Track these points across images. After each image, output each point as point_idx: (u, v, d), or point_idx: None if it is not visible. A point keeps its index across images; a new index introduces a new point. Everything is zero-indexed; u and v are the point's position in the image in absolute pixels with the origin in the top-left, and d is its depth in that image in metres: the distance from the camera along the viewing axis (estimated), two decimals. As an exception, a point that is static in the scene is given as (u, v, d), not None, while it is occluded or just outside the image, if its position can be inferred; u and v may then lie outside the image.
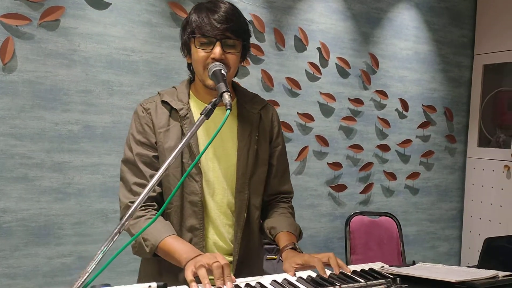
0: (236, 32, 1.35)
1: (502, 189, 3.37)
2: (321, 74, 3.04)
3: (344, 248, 2.95)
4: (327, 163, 3.11)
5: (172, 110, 1.39)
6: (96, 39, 2.40)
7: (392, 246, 3.01)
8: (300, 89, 2.97)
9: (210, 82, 1.33)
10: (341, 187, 3.18)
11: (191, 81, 1.47)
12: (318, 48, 3.03)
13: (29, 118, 2.28)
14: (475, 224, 3.59)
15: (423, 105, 3.47)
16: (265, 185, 1.48)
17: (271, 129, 1.49)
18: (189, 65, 1.45)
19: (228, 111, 1.13)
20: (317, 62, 3.03)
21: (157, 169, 1.36)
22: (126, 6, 2.46)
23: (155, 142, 1.37)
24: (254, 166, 1.43)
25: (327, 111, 3.09)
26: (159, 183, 1.36)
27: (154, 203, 1.35)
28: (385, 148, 3.31)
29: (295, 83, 2.95)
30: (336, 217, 3.20)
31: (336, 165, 3.14)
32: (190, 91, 1.45)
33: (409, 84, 3.41)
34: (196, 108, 1.42)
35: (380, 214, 3.08)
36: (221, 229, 1.39)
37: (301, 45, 2.97)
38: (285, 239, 1.36)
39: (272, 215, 1.47)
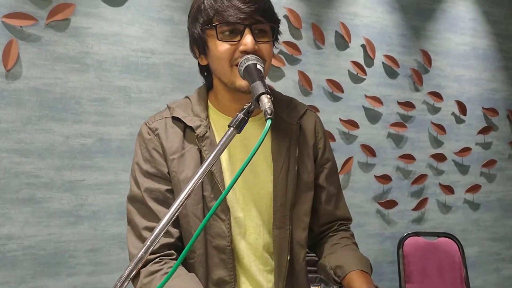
0: (268, 14, 1.01)
1: None
2: (366, 74, 2.67)
3: (398, 274, 2.55)
4: (375, 176, 2.72)
5: (186, 129, 1.06)
6: (111, 40, 2.11)
7: (454, 273, 2.58)
8: (343, 92, 2.60)
9: (242, 83, 0.99)
10: (391, 203, 2.77)
11: (208, 88, 1.14)
12: (363, 45, 2.66)
13: (36, 131, 2.00)
14: (546, 243, 3.11)
15: (483, 108, 3.04)
16: (315, 214, 1.14)
17: (315, 142, 1.14)
18: (202, 69, 1.13)
19: (269, 121, 0.79)
20: (361, 61, 2.66)
21: None
22: (144, 2, 2.16)
23: (168, 172, 1.04)
24: (296, 193, 1.08)
25: (373, 116, 2.71)
26: (178, 225, 1.04)
27: (173, 251, 1.02)
28: (440, 157, 2.89)
29: (336, 85, 2.59)
30: (386, 238, 2.80)
31: (384, 178, 2.75)
32: (209, 102, 1.12)
33: (466, 84, 2.98)
34: (218, 124, 1.08)
35: (438, 234, 2.66)
36: (258, 278, 1.05)
37: (343, 42, 2.61)
38: (360, 281, 1.00)
39: (333, 249, 1.11)
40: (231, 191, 1.05)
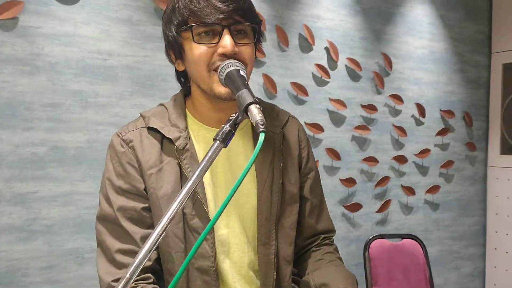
0: (248, 13, 0.95)
1: (532, 201, 3.01)
2: (329, 77, 2.65)
3: (365, 277, 2.55)
4: (340, 180, 2.71)
5: (163, 140, 0.97)
6: (64, 40, 1.96)
7: (418, 274, 2.61)
8: (307, 95, 2.57)
9: (222, 90, 0.92)
10: (356, 206, 2.77)
11: (185, 95, 1.06)
12: (326, 48, 2.64)
13: (-19, 140, 1.83)
14: (501, 240, 3.22)
15: (441, 110, 3.11)
16: (298, 228, 1.07)
17: (299, 151, 1.08)
18: (179, 75, 1.05)
19: (262, 135, 0.72)
20: (325, 64, 2.64)
21: (149, 226, 0.94)
22: (100, 0, 2.03)
23: (144, 189, 0.95)
24: (282, 206, 1.02)
25: (338, 119, 2.69)
26: (156, 246, 0.95)
27: (150, 274, 0.93)
28: (402, 159, 2.93)
29: (301, 88, 2.55)
30: (352, 241, 2.79)
31: (349, 181, 2.74)
32: (187, 110, 1.03)
33: (425, 87, 3.04)
34: (198, 135, 1.00)
35: (402, 236, 2.68)
36: None
37: (307, 44, 2.58)
38: None
39: (317, 265, 1.05)
40: (213, 206, 0.97)
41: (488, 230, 3.32)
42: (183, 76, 1.05)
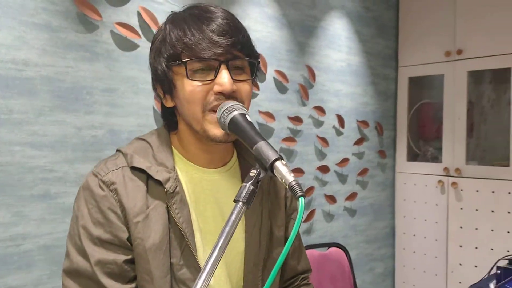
0: (246, 47, 0.88)
1: (436, 204, 3.30)
2: (259, 90, 2.63)
3: (295, 289, 2.57)
4: (269, 192, 2.70)
5: (149, 181, 0.86)
6: (-30, 47, 1.67)
7: (344, 281, 2.71)
8: (238, 108, 2.51)
9: (218, 132, 0.83)
10: (284, 218, 2.79)
11: (169, 129, 0.95)
12: (255, 60, 2.60)
13: None
14: (409, 241, 3.49)
15: (357, 120, 3.26)
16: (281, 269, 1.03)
17: (285, 191, 1.03)
18: (166, 111, 0.93)
19: (302, 199, 0.65)
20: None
21: (130, 281, 0.82)
22: (14, 3, 1.76)
23: (128, 238, 0.83)
24: (268, 250, 0.96)
25: (267, 132, 2.68)
26: None
27: None
28: (324, 169, 3.02)
29: (232, 101, 2.48)
30: (280, 252, 2.80)
31: (278, 193, 2.74)
32: (173, 147, 0.92)
33: (344, 98, 3.17)
34: (186, 175, 0.90)
35: (329, 245, 2.76)
36: None
37: (237, 56, 2.52)
38: None
39: None
40: (202, 253, 0.88)
41: (397, 232, 3.57)
42: (170, 113, 0.93)
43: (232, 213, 0.66)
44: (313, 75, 2.93)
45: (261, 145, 0.72)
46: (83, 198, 0.84)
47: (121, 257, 0.82)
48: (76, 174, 1.90)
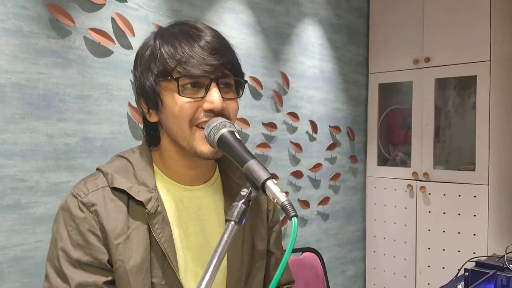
0: (235, 67, 0.89)
1: (405, 208, 3.39)
2: (234, 96, 2.63)
3: (270, 295, 2.59)
4: (243, 198, 2.71)
5: (129, 201, 0.85)
6: None
7: (318, 286, 2.74)
8: (213, 114, 2.51)
9: (205, 149, 0.84)
10: (259, 224, 2.80)
11: (149, 145, 0.94)
12: (230, 67, 2.61)
13: None
14: (379, 244, 3.57)
15: (329, 126, 3.32)
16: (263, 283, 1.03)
17: (267, 205, 1.04)
18: (149, 126, 0.93)
19: (294, 219, 0.67)
20: (229, 82, 2.61)
21: None
22: (-17, 6, 1.71)
23: (108, 260, 0.82)
24: (251, 265, 0.97)
25: (242, 138, 2.67)
26: None
27: None
28: (298, 174, 3.05)
29: (206, 107, 2.48)
30: (255, 258, 2.81)
31: (252, 199, 2.76)
32: (154, 165, 0.92)
33: (317, 104, 3.21)
34: (168, 194, 0.90)
35: (302, 250, 2.79)
36: None
37: (212, 63, 2.51)
38: None
39: None
40: (184, 271, 0.88)
41: (367, 234, 3.64)
42: (152, 128, 0.93)
43: (224, 233, 0.67)
44: (287, 81, 2.95)
45: (252, 164, 0.73)
46: (62, 220, 0.83)
47: (102, 279, 0.81)
48: (48, 183, 1.85)
